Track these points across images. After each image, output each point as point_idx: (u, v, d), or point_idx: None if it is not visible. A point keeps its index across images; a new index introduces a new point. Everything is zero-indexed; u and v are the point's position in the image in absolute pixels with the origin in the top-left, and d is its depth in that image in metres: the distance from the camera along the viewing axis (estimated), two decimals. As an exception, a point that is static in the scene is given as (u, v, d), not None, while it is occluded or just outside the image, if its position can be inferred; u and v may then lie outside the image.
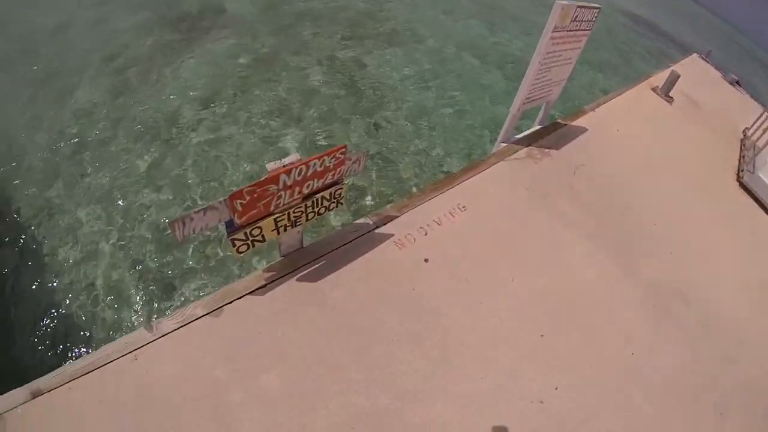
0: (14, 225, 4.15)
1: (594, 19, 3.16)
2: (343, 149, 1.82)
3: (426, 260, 2.36)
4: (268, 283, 2.09)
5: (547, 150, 3.37)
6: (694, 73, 8.25)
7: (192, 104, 5.80)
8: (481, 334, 2.18)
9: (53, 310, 3.53)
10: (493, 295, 2.33)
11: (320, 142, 5.47)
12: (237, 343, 1.92)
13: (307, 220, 2.02)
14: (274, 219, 1.85)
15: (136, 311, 3.54)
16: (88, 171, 4.76)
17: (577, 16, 2.95)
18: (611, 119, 4.22)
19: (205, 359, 1.86)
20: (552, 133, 3.61)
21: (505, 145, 3.36)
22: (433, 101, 6.68)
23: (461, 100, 6.82)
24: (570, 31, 2.99)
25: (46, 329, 3.41)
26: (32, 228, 4.13)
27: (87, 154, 4.95)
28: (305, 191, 1.87)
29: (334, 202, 2.07)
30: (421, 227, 2.51)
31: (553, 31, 2.82)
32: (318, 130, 5.64)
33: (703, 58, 9.83)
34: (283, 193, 1.78)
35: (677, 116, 5.23)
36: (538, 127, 3.73)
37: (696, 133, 4.83)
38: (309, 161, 1.75)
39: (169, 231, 1.56)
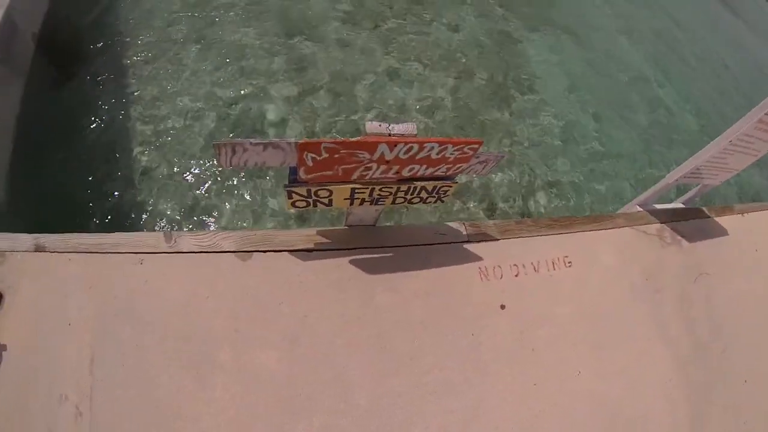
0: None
1: None
2: (477, 145, 1.37)
3: (503, 306, 1.92)
4: (315, 250, 1.72)
5: (679, 237, 2.73)
6: None
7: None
8: (517, 421, 1.73)
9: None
10: (551, 382, 1.85)
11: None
12: (251, 301, 1.61)
13: (393, 203, 1.59)
14: (352, 188, 1.45)
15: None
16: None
17: None
18: (755, 233, 3.43)
19: (210, 302, 1.57)
20: (691, 219, 2.93)
21: (639, 209, 2.76)
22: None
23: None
24: (781, 121, 2.32)
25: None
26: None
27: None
28: (405, 174, 1.42)
29: (434, 197, 1.61)
30: (515, 264, 2.01)
31: (766, 114, 2.18)
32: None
33: None
34: (375, 165, 1.36)
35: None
36: (680, 205, 3.07)
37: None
38: (426, 141, 1.30)
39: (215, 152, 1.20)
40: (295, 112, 4.13)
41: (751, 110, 2.17)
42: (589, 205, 4.55)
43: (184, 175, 3.43)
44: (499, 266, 1.98)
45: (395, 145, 1.29)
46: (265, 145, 1.22)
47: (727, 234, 3.02)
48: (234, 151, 1.21)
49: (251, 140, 1.19)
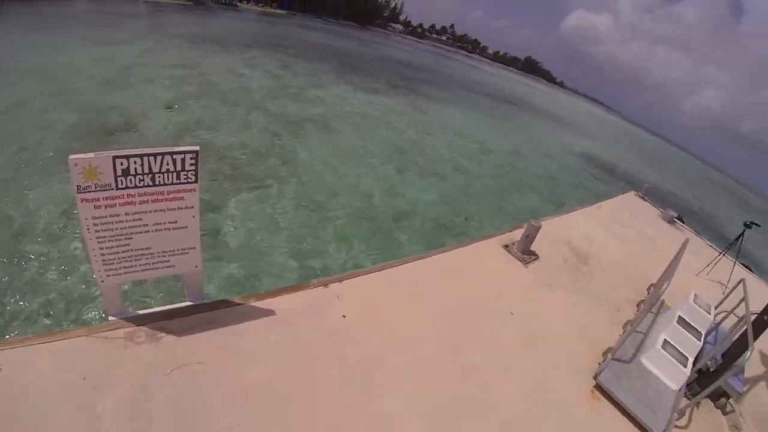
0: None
1: (190, 167, 2.38)
2: None
3: None
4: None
5: (162, 334, 2.67)
6: (623, 210, 7.79)
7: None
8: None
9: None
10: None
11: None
12: None
13: None
14: None
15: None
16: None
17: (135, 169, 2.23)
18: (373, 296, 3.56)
19: None
20: (184, 317, 2.84)
21: (114, 320, 2.72)
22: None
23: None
24: (133, 188, 2.29)
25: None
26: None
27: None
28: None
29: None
30: None
31: (79, 192, 2.18)
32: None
33: (640, 196, 9.28)
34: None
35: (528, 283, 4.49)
36: (187, 303, 2.96)
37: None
38: None
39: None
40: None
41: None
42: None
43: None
44: None
45: None
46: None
47: (267, 314, 3.04)
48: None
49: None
